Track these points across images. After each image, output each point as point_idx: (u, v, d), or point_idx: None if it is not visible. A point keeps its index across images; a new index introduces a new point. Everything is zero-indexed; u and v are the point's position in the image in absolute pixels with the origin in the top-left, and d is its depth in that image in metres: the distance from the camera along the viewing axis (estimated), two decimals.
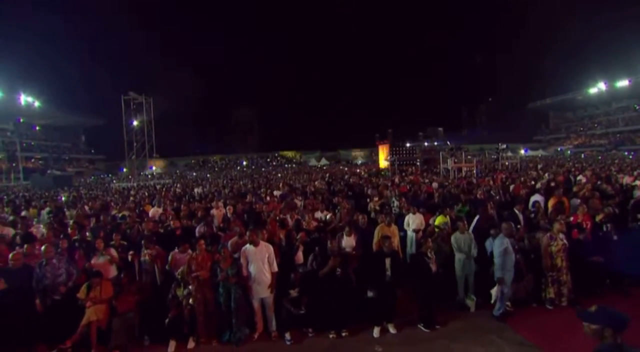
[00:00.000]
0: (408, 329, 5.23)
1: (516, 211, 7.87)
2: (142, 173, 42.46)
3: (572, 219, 7.19)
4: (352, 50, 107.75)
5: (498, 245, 5.33)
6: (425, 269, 5.31)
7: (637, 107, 61.07)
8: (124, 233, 7.31)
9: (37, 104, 50.18)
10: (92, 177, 50.53)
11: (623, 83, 56.91)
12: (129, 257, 5.90)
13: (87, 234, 7.64)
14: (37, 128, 62.27)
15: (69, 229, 8.14)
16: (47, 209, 12.25)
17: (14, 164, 45.68)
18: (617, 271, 6.19)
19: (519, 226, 7.07)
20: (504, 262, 5.24)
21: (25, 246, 5.94)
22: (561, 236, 5.77)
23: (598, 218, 6.83)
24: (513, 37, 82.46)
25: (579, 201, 8.32)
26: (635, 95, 60.24)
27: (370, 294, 5.25)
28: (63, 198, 16.78)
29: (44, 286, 5.05)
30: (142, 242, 6.03)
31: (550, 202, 9.01)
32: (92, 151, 73.08)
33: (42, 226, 9.75)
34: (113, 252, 6.08)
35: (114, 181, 36.25)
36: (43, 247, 5.34)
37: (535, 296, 5.77)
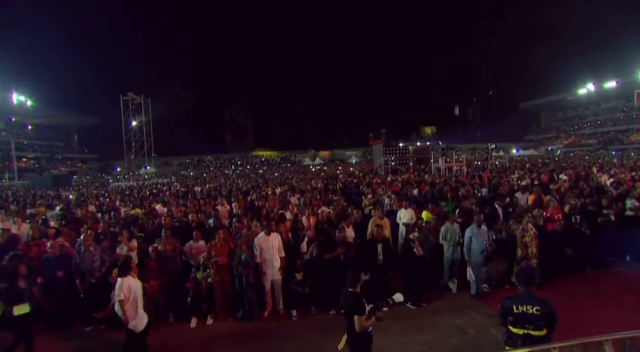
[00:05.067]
0: (398, 307, 6.00)
1: (497, 206, 8.72)
2: (137, 173, 42.84)
3: (545, 213, 8.05)
4: (346, 50, 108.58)
5: (467, 233, 6.37)
6: (413, 255, 6.12)
7: (625, 108, 62.63)
8: (142, 227, 8.03)
9: (29, 103, 49.58)
10: (88, 177, 50.70)
11: (611, 84, 58.18)
12: (150, 249, 6.60)
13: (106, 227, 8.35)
14: (30, 127, 61.76)
15: (85, 224, 8.83)
16: (59, 207, 12.90)
17: (7, 164, 45.57)
18: (582, 258, 7.09)
19: (498, 220, 7.95)
20: (472, 248, 6.25)
21: (60, 239, 6.65)
22: (530, 226, 6.58)
23: (566, 210, 7.71)
24: (506, 38, 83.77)
25: (550, 197, 9.16)
26: (623, 96, 61.76)
27: (365, 277, 6.03)
28: (71, 197, 17.36)
29: (82, 270, 5.78)
30: (162, 234, 6.74)
31: (530, 198, 9.90)
32: (86, 151, 72.76)
33: (52, 222, 10.42)
34: (134, 243, 6.80)
35: (111, 181, 36.69)
36: (82, 236, 6.06)
37: (509, 279, 6.62)
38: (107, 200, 14.02)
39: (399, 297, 3.70)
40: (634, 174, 14.70)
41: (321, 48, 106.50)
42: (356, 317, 3.50)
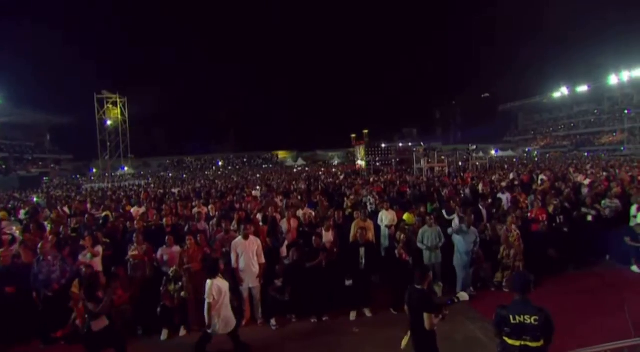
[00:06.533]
0: (383, 312, 5.81)
1: (480, 207, 8.66)
2: (114, 174, 41.34)
3: (529, 214, 8.03)
4: (328, 51, 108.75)
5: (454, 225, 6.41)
6: (396, 258, 5.89)
7: (596, 112, 65.14)
8: (108, 232, 7.50)
9: None
10: (60, 178, 48.50)
11: (583, 89, 60.90)
12: (128, 256, 6.12)
13: (69, 232, 7.76)
14: None
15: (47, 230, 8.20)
16: (24, 210, 12.10)
17: None
18: (564, 257, 7.08)
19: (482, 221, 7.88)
20: (457, 249, 6.22)
21: (15, 246, 6.07)
22: (513, 227, 6.50)
23: (550, 210, 7.71)
24: (485, 42, 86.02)
25: (533, 197, 9.19)
26: (594, 100, 64.36)
27: (348, 282, 5.78)
28: (35, 199, 16.40)
29: (39, 281, 5.25)
30: (133, 237, 6.26)
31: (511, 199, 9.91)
32: (59, 151, 69.50)
33: (14, 227, 9.68)
34: (99, 249, 6.25)
35: (84, 182, 35.26)
36: (40, 244, 5.53)
37: (494, 281, 6.50)
38: (77, 202, 13.22)
39: (463, 295, 3.60)
40: (606, 174, 15.09)
41: (302, 49, 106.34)
42: (426, 315, 3.43)
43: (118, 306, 5.29)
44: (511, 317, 2.90)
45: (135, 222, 7.82)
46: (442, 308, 3.52)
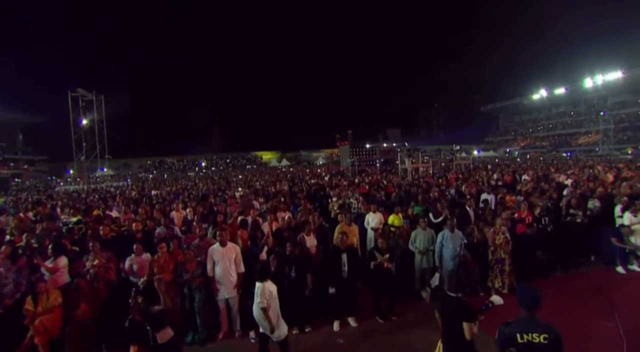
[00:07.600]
0: (368, 321, 5.51)
1: (467, 208, 8.49)
2: (92, 175, 39.84)
3: (516, 215, 7.90)
4: (313, 51, 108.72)
5: (439, 237, 6.07)
6: (379, 264, 5.59)
7: (572, 113, 67.09)
8: (76, 239, 6.94)
9: None
10: (31, 179, 46.40)
11: (560, 91, 62.82)
12: (87, 267, 5.58)
13: (32, 240, 7.14)
14: None
15: (6, 236, 7.55)
16: None
17: None
18: (552, 260, 6.96)
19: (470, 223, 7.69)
20: (441, 253, 5.96)
21: None
22: (503, 229, 6.33)
23: (536, 212, 7.59)
24: (466, 45, 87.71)
25: (522, 198, 9.10)
26: (571, 102, 66.35)
27: (331, 290, 5.45)
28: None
29: None
30: (90, 247, 5.74)
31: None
32: (32, 151, 66.47)
33: None
34: (62, 261, 5.72)
35: (61, 184, 33.82)
36: None
37: (482, 285, 6.31)
38: (43, 206, 12.42)
39: (497, 299, 3.29)
40: (587, 174, 15.29)
41: (287, 49, 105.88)
42: (466, 325, 3.18)
43: (79, 321, 4.82)
44: (518, 336, 2.59)
45: (101, 228, 7.22)
46: (477, 315, 3.29)
